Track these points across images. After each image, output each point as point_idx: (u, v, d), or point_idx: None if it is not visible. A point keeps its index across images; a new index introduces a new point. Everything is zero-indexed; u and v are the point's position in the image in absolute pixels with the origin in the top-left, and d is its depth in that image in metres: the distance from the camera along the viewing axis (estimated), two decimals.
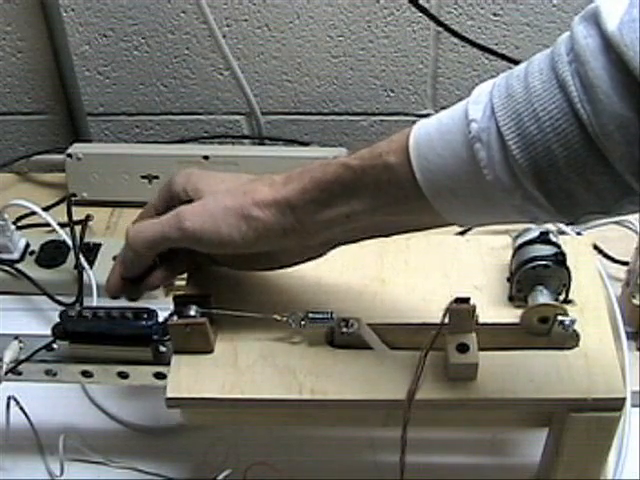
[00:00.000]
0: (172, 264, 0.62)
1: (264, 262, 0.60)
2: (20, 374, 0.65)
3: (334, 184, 0.53)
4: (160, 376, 0.63)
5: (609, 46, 0.43)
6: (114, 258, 0.64)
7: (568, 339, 0.60)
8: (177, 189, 0.60)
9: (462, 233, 0.79)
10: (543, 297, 0.60)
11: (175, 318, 0.60)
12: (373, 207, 0.53)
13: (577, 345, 0.60)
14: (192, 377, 0.60)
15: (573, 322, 0.59)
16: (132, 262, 0.61)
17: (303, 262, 0.61)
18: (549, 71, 0.46)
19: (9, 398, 0.68)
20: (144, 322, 0.62)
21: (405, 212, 0.53)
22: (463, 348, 0.58)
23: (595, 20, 0.44)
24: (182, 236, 0.57)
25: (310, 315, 0.60)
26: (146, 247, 0.59)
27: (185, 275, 0.65)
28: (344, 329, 0.60)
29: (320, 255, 0.60)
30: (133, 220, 0.63)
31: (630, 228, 0.84)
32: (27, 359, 0.64)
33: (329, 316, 0.60)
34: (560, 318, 0.59)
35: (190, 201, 0.59)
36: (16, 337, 0.66)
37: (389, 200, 0.52)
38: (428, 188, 0.50)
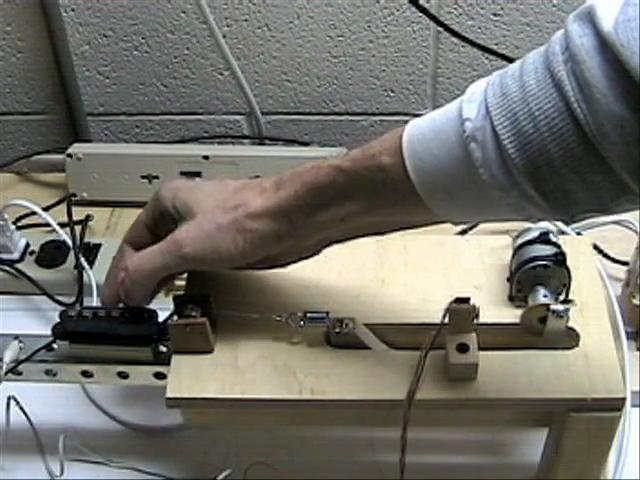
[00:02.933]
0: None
1: (260, 263, 0.60)
2: (20, 374, 0.65)
3: (327, 188, 0.53)
4: (160, 376, 0.63)
5: (605, 45, 0.43)
6: (114, 258, 0.64)
7: (567, 339, 0.60)
8: (166, 205, 0.59)
9: (462, 233, 0.80)
10: (543, 297, 0.60)
11: (175, 318, 0.60)
12: (367, 208, 0.53)
13: (577, 345, 0.60)
14: (192, 377, 0.60)
15: (567, 310, 0.59)
16: (134, 293, 0.60)
17: (299, 261, 0.61)
18: (544, 70, 0.45)
19: (9, 398, 0.68)
20: (144, 322, 0.62)
21: (400, 212, 0.53)
22: (463, 348, 0.58)
23: (590, 19, 0.44)
24: (183, 262, 0.57)
25: (308, 315, 0.60)
26: (148, 279, 0.59)
27: (185, 275, 0.65)
28: (338, 329, 0.60)
29: (315, 254, 0.60)
30: (124, 237, 0.63)
31: (630, 228, 0.84)
32: (27, 359, 0.64)
33: (326, 316, 0.60)
34: (553, 307, 0.58)
35: (180, 217, 0.58)
36: (16, 337, 0.66)
37: (383, 201, 0.52)
38: (422, 188, 0.50)
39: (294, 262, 0.61)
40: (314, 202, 0.53)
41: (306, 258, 0.60)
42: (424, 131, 0.50)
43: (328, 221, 0.54)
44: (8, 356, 0.64)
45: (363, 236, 0.58)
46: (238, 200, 0.56)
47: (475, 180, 0.48)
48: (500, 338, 0.61)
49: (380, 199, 0.52)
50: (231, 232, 0.55)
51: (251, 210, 0.55)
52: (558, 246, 0.62)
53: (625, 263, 0.78)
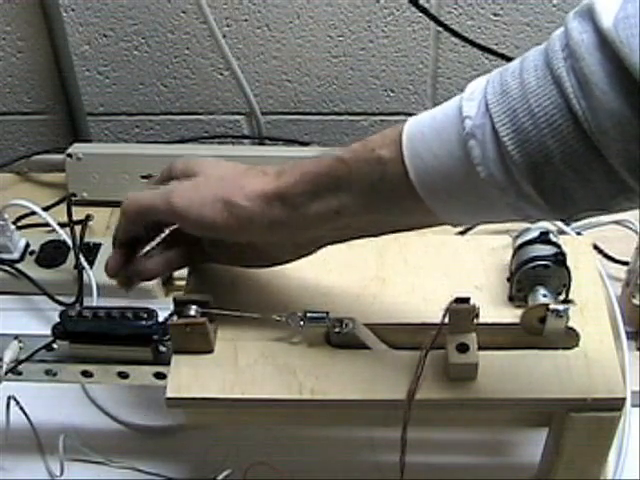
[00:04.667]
0: (168, 255, 0.63)
1: (253, 258, 0.61)
2: (20, 374, 0.65)
3: (325, 176, 0.53)
4: (160, 376, 0.63)
5: (604, 42, 0.43)
6: None
7: (567, 339, 0.60)
8: (176, 171, 0.61)
9: (462, 233, 0.79)
10: (543, 297, 0.60)
11: (175, 318, 0.60)
12: (363, 203, 0.53)
13: (577, 345, 0.60)
14: (192, 377, 0.60)
15: (567, 309, 0.59)
16: (122, 226, 0.62)
17: (293, 260, 0.61)
18: (544, 67, 0.45)
19: (9, 398, 0.68)
20: (144, 322, 0.62)
21: (397, 210, 0.53)
22: (463, 348, 0.58)
23: (590, 16, 0.44)
24: (168, 210, 0.58)
25: (308, 315, 0.60)
26: (135, 212, 0.61)
27: (185, 275, 0.65)
28: (338, 329, 0.60)
29: (309, 254, 0.60)
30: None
31: (630, 228, 0.84)
32: (27, 359, 0.65)
33: (326, 316, 0.60)
34: (552, 307, 0.58)
35: (183, 177, 0.60)
36: (16, 337, 0.66)
37: (380, 196, 0.52)
38: (421, 186, 0.50)
39: (289, 261, 0.61)
40: (310, 190, 0.54)
41: (300, 257, 0.60)
42: (424, 129, 0.50)
43: (322, 213, 0.54)
44: (8, 356, 0.64)
45: (358, 237, 0.58)
46: (239, 179, 0.57)
47: (473, 179, 0.48)
48: (500, 338, 0.61)
49: (377, 194, 0.52)
50: (221, 204, 0.56)
51: (248, 189, 0.56)
52: (558, 246, 0.62)
53: (625, 263, 0.78)
